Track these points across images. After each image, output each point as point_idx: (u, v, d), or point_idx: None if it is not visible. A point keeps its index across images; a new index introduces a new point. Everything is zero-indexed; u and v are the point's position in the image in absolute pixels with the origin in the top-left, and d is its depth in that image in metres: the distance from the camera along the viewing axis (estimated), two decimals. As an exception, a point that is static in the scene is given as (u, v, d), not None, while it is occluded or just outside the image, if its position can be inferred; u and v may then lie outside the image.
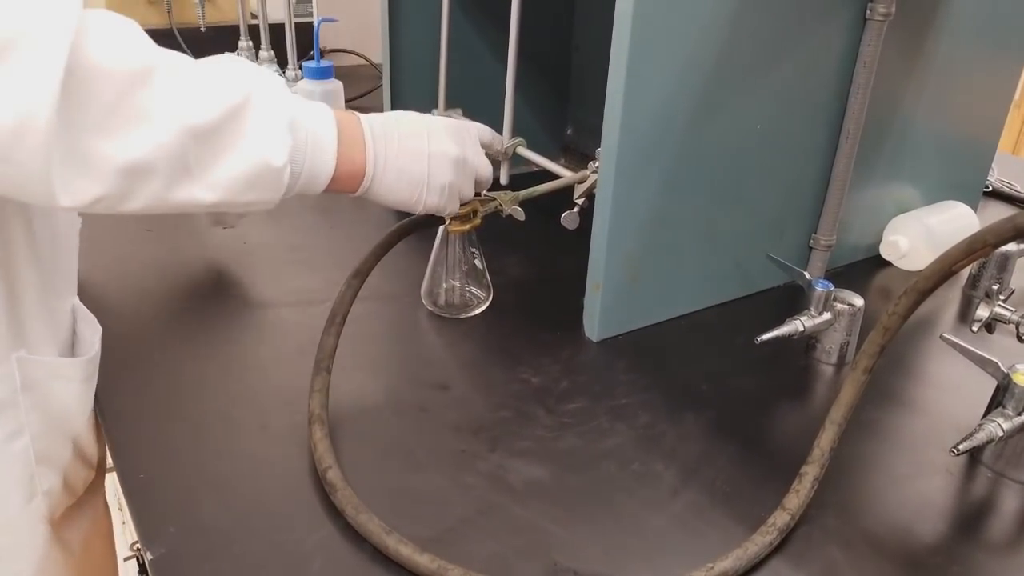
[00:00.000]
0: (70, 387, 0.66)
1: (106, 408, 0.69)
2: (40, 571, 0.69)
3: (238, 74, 0.55)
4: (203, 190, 0.53)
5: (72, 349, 0.70)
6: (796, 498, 0.58)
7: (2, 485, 0.64)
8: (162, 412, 0.69)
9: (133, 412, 0.68)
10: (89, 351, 0.68)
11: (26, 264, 0.60)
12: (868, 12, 0.82)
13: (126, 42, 0.49)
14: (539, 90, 1.23)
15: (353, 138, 0.63)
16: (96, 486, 0.78)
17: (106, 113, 0.47)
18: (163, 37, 1.74)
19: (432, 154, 0.66)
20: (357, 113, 0.65)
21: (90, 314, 0.70)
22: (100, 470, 0.78)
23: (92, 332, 0.69)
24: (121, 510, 1.20)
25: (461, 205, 0.79)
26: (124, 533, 1.23)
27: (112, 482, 1.04)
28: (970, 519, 0.62)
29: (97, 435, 0.74)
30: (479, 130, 0.73)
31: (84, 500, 0.75)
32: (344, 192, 0.64)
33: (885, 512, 0.61)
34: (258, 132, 0.54)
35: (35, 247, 0.61)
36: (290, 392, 0.71)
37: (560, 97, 1.28)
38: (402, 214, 0.73)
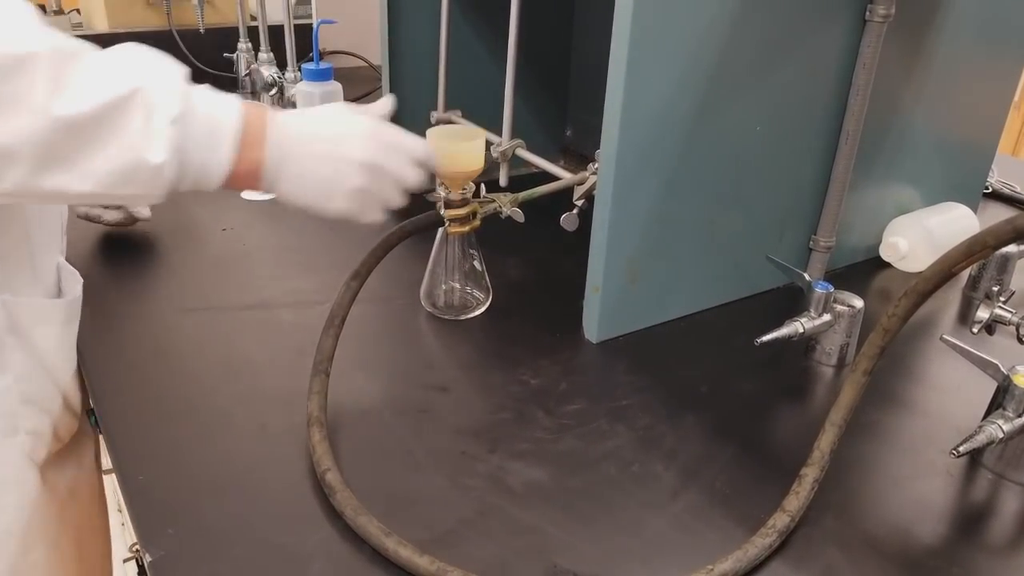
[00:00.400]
0: (52, 330, 0.70)
1: (106, 409, 0.69)
2: (21, 506, 0.72)
3: (129, 66, 0.54)
4: (75, 180, 0.53)
5: (56, 297, 0.73)
6: (796, 500, 0.58)
7: None
8: (161, 414, 0.69)
9: (132, 414, 0.68)
10: (69, 296, 0.72)
11: (10, 220, 0.65)
12: (868, 14, 0.82)
13: (11, 28, 0.49)
14: (538, 92, 1.23)
15: (256, 136, 0.60)
16: (83, 439, 0.82)
17: None
18: (162, 39, 1.75)
19: (341, 158, 0.63)
20: (270, 110, 0.62)
21: (73, 269, 0.75)
22: (83, 421, 0.82)
23: (74, 282, 0.74)
24: (120, 511, 1.19)
25: (460, 206, 0.79)
26: (124, 534, 1.22)
27: (111, 483, 1.04)
28: (970, 521, 0.61)
29: (80, 384, 0.78)
30: (413, 143, 0.68)
31: (70, 449, 0.79)
32: (249, 189, 0.62)
33: (885, 514, 0.61)
34: (137, 127, 0.53)
35: (20, 205, 0.66)
36: (289, 394, 0.71)
37: (559, 99, 1.28)
38: (401, 216, 0.73)
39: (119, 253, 0.97)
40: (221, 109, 0.58)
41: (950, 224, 1.01)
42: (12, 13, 0.49)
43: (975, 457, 0.67)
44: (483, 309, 0.87)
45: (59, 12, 1.97)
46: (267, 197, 1.15)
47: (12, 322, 0.67)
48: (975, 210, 1.06)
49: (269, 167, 0.61)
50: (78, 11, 2.07)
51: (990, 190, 1.26)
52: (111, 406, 0.70)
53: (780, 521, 0.57)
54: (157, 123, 0.54)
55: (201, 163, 0.57)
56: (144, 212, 0.99)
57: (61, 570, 0.78)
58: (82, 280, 0.75)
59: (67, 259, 0.78)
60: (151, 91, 0.54)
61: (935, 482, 0.65)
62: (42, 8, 2.00)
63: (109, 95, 0.52)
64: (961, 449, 0.62)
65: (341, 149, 0.63)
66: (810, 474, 0.59)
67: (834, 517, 0.60)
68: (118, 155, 0.53)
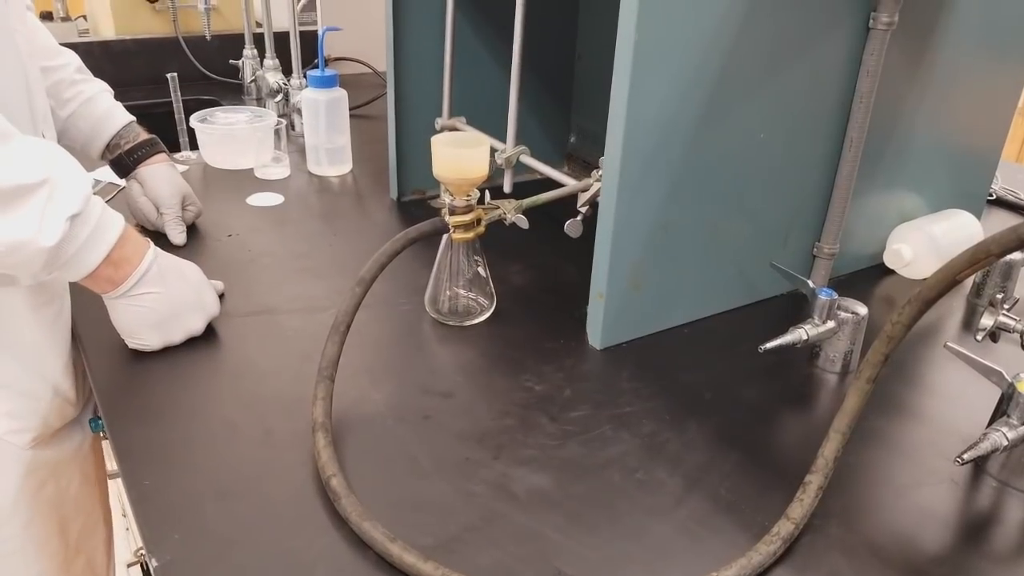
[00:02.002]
0: (19, 314, 0.73)
1: (111, 415, 0.69)
2: None
3: (47, 159, 0.62)
4: None
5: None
6: (800, 507, 0.58)
7: None
8: (167, 419, 0.69)
9: (138, 419, 0.69)
10: (25, 284, 0.74)
11: None
12: (871, 22, 0.82)
13: None
14: (542, 98, 1.24)
15: (127, 257, 0.71)
16: (74, 427, 0.84)
17: None
18: (168, 45, 1.76)
19: (182, 319, 0.77)
20: (149, 246, 0.74)
21: None
22: (83, 411, 0.85)
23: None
24: (125, 515, 1.20)
25: (464, 213, 0.80)
26: (128, 539, 1.23)
27: (116, 487, 1.04)
28: (975, 529, 0.61)
29: (77, 374, 0.81)
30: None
31: (65, 434, 0.82)
32: (98, 291, 0.73)
33: (889, 521, 0.61)
34: (38, 211, 0.61)
35: None
36: (293, 399, 0.71)
37: (563, 105, 1.29)
38: (408, 223, 0.73)
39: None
40: (109, 221, 0.69)
41: (954, 231, 1.01)
42: None
43: (979, 465, 0.67)
44: (487, 315, 0.87)
45: (66, 19, 1.98)
46: (274, 203, 1.15)
47: None
48: (979, 217, 1.06)
49: (119, 290, 0.72)
50: (85, 18, 2.08)
51: (994, 197, 1.27)
52: (117, 411, 0.70)
53: (784, 528, 0.57)
54: (57, 213, 0.62)
55: (74, 256, 0.66)
56: (179, 239, 1.01)
57: (34, 546, 0.80)
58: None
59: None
60: (59, 185, 0.62)
61: (939, 490, 0.65)
62: (49, 15, 2.01)
63: (24, 178, 0.59)
64: (965, 457, 0.62)
65: (184, 320, 0.77)
66: (814, 481, 0.59)
67: (838, 524, 0.60)
68: (13, 229, 0.60)
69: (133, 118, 0.99)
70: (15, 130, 0.61)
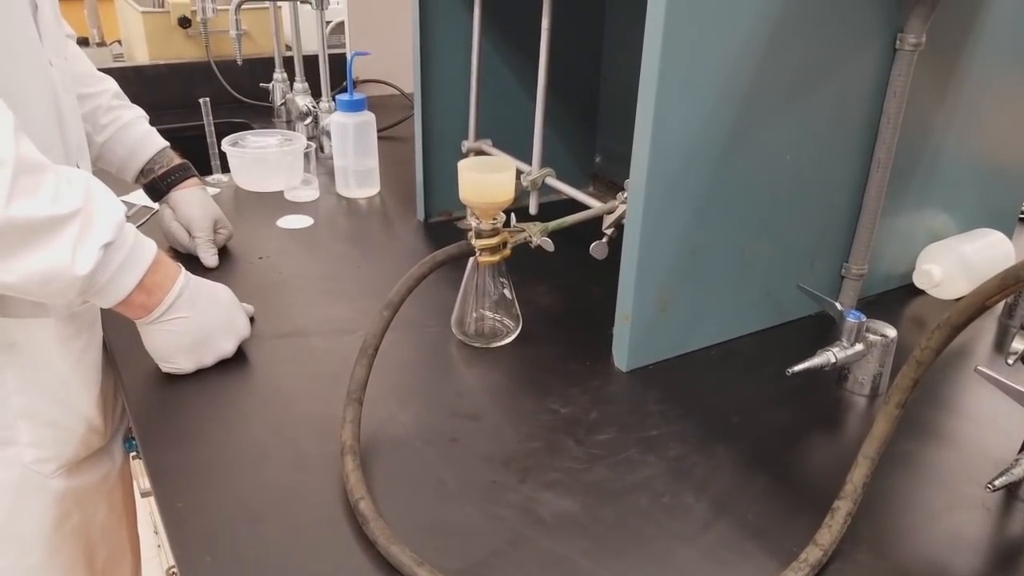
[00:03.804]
0: (50, 347, 0.74)
1: (145, 436, 0.71)
2: (16, 511, 0.77)
3: (79, 188, 0.64)
4: (2, 272, 0.60)
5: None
6: (829, 533, 0.58)
7: None
8: (199, 441, 0.70)
9: (171, 440, 0.70)
10: (64, 315, 0.75)
11: None
12: (898, 43, 0.82)
13: None
14: (568, 119, 1.25)
15: (159, 283, 0.73)
16: (102, 456, 0.85)
17: None
18: (201, 70, 1.80)
19: (214, 343, 0.78)
20: (180, 271, 0.75)
21: None
22: (110, 439, 0.86)
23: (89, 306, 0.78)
24: (157, 533, 1.21)
25: (490, 236, 0.81)
26: (160, 556, 1.24)
27: (149, 505, 1.05)
28: (1007, 556, 0.60)
29: (106, 406, 0.82)
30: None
31: (92, 463, 0.83)
32: (131, 318, 0.74)
33: (919, 548, 0.60)
34: (72, 241, 0.63)
35: None
36: (323, 421, 0.72)
37: (588, 126, 1.29)
38: (435, 244, 0.74)
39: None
40: (141, 248, 0.70)
41: (985, 251, 1.00)
42: None
43: (1012, 491, 0.66)
44: (513, 337, 0.88)
45: (101, 44, 2.03)
46: (304, 225, 1.17)
47: (4, 340, 0.71)
48: (1010, 236, 1.05)
49: (152, 316, 0.73)
50: (119, 43, 2.14)
51: (1026, 215, 1.25)
52: (151, 433, 0.71)
53: (813, 555, 0.56)
54: (91, 242, 0.64)
55: (107, 284, 0.68)
56: (211, 261, 1.02)
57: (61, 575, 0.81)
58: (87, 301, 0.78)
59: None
60: (93, 214, 0.64)
61: (970, 516, 0.64)
62: (85, 41, 2.07)
63: (58, 209, 0.61)
64: (997, 483, 0.61)
65: (217, 341, 0.79)
66: (843, 507, 0.59)
67: (867, 551, 0.60)
68: (47, 259, 0.62)
69: (167, 144, 1.01)
70: (48, 161, 0.62)
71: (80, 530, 0.83)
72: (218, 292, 0.80)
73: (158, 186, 1.00)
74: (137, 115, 0.99)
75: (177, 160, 1.01)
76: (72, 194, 0.63)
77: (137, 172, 1.00)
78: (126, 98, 0.99)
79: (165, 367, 0.78)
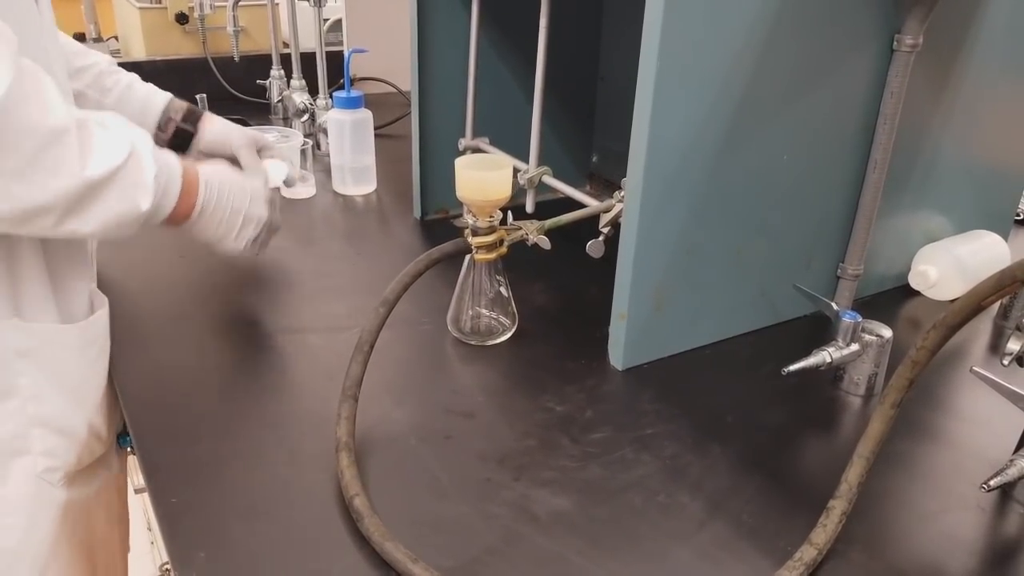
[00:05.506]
0: (67, 354, 0.74)
1: (139, 432, 0.70)
2: (32, 526, 0.75)
3: (122, 132, 0.68)
4: (85, 225, 0.65)
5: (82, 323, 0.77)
6: (823, 533, 0.58)
7: None
8: (194, 436, 0.70)
9: (166, 436, 0.70)
10: (83, 321, 0.75)
11: (31, 246, 0.69)
12: (895, 44, 0.82)
13: (48, 103, 0.59)
14: (565, 118, 1.25)
15: (189, 191, 0.76)
16: (104, 462, 0.84)
17: (26, 163, 0.58)
18: (198, 66, 1.79)
19: (247, 215, 0.81)
20: (199, 170, 0.78)
21: (103, 296, 0.80)
22: (110, 447, 0.85)
23: (98, 308, 0.78)
24: (150, 530, 1.21)
25: (487, 234, 0.81)
26: (153, 552, 1.24)
27: (142, 501, 1.05)
28: (1001, 556, 0.61)
29: (108, 410, 0.81)
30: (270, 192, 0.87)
31: (90, 472, 0.81)
32: (169, 227, 0.77)
33: (914, 548, 0.60)
34: (134, 182, 0.67)
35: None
36: (318, 418, 0.72)
37: (586, 125, 1.29)
38: (431, 242, 0.74)
39: (153, 277, 0.99)
40: (171, 168, 0.73)
41: (980, 252, 1.00)
42: (47, 92, 0.60)
43: (1006, 491, 0.66)
44: (509, 335, 0.88)
45: (98, 40, 2.02)
46: (299, 223, 1.17)
47: (22, 346, 0.70)
48: (1006, 238, 1.05)
49: (195, 214, 0.77)
50: (116, 38, 2.13)
51: (1021, 217, 1.25)
52: (145, 428, 0.71)
53: (807, 554, 0.56)
54: (147, 179, 0.68)
55: (157, 210, 0.72)
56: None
57: None
58: (106, 305, 0.78)
59: (101, 283, 0.80)
60: (140, 153, 0.68)
61: (965, 516, 0.64)
62: (81, 36, 2.06)
63: (119, 158, 0.65)
64: (992, 483, 0.61)
65: (252, 209, 0.82)
66: (838, 507, 0.59)
67: (862, 550, 0.60)
68: (119, 204, 0.66)
69: (171, 94, 0.99)
70: (85, 113, 0.65)
71: (84, 542, 0.82)
72: (223, 171, 0.81)
73: (185, 131, 0.97)
74: (134, 76, 0.98)
75: (184, 103, 0.99)
76: (119, 139, 0.66)
77: (154, 127, 0.97)
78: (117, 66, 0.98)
79: (222, 249, 0.82)
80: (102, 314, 0.78)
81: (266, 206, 0.84)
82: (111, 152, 0.64)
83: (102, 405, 0.79)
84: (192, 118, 0.98)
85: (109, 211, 0.65)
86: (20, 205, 0.59)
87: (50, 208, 0.61)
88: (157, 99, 0.98)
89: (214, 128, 0.99)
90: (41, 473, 0.74)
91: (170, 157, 0.74)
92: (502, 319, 0.88)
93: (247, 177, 0.85)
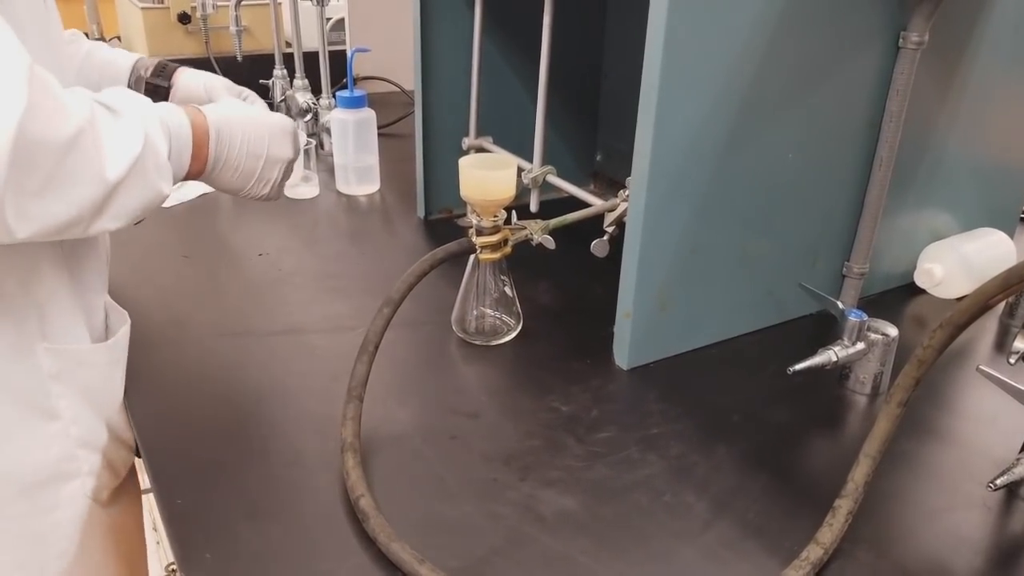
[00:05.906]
0: (97, 372, 0.72)
1: (146, 433, 0.71)
2: (82, 550, 0.73)
3: (135, 115, 0.64)
4: (114, 222, 0.63)
5: (104, 338, 0.75)
6: (829, 532, 0.58)
7: (43, 467, 0.70)
8: (199, 438, 0.70)
9: (171, 437, 0.70)
10: (112, 339, 0.74)
11: (53, 266, 0.67)
12: (901, 41, 0.82)
13: (58, 111, 0.56)
14: (569, 117, 1.24)
15: (200, 145, 0.72)
16: (130, 482, 0.83)
17: (45, 180, 0.55)
18: (200, 65, 1.78)
19: (269, 157, 0.77)
20: (206, 116, 0.73)
21: (121, 309, 0.78)
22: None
23: (119, 322, 0.77)
24: (156, 530, 1.21)
25: (491, 233, 0.80)
26: (159, 552, 1.24)
27: (148, 502, 1.05)
28: (1008, 555, 0.60)
29: (126, 416, 0.79)
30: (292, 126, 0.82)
31: (126, 484, 0.80)
32: (192, 180, 0.75)
33: (920, 547, 0.60)
34: (152, 168, 0.64)
35: (62, 252, 0.68)
36: (323, 419, 0.72)
37: (590, 124, 1.29)
38: (435, 242, 0.74)
39: (157, 278, 0.99)
40: (183, 132, 0.70)
41: (986, 250, 1.00)
42: (56, 98, 0.55)
43: (1013, 490, 0.66)
44: (514, 335, 0.87)
45: (100, 39, 2.02)
46: (304, 222, 1.17)
47: (54, 369, 0.68)
48: (1012, 235, 1.05)
49: (208, 168, 0.74)
50: (119, 38, 2.13)
51: (1027, 214, 1.25)
52: (151, 430, 0.71)
53: (813, 554, 0.56)
54: (162, 162, 0.66)
55: (175, 177, 0.69)
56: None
57: None
58: (129, 320, 0.77)
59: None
60: (153, 136, 0.65)
61: (971, 515, 0.64)
62: (84, 36, 2.06)
63: (136, 149, 0.62)
64: (998, 482, 0.61)
65: (272, 149, 0.78)
66: (844, 506, 0.59)
67: (868, 550, 0.60)
68: (142, 194, 0.64)
69: (139, 54, 0.95)
70: (89, 99, 0.61)
71: (125, 556, 0.81)
72: (235, 114, 0.77)
73: (158, 87, 0.93)
74: (97, 44, 0.93)
75: (155, 60, 0.95)
76: (131, 126, 0.63)
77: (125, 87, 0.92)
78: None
79: (246, 195, 0.79)
80: (126, 330, 0.76)
81: (291, 143, 0.80)
82: (127, 145, 0.62)
83: (121, 411, 0.78)
84: (164, 73, 0.94)
85: (134, 201, 0.63)
86: (51, 222, 0.57)
87: (77, 220, 0.59)
88: (121, 61, 0.93)
89: (188, 80, 0.94)
90: (90, 493, 0.73)
91: (176, 116, 0.70)
92: (506, 319, 0.87)
93: (264, 113, 0.80)
